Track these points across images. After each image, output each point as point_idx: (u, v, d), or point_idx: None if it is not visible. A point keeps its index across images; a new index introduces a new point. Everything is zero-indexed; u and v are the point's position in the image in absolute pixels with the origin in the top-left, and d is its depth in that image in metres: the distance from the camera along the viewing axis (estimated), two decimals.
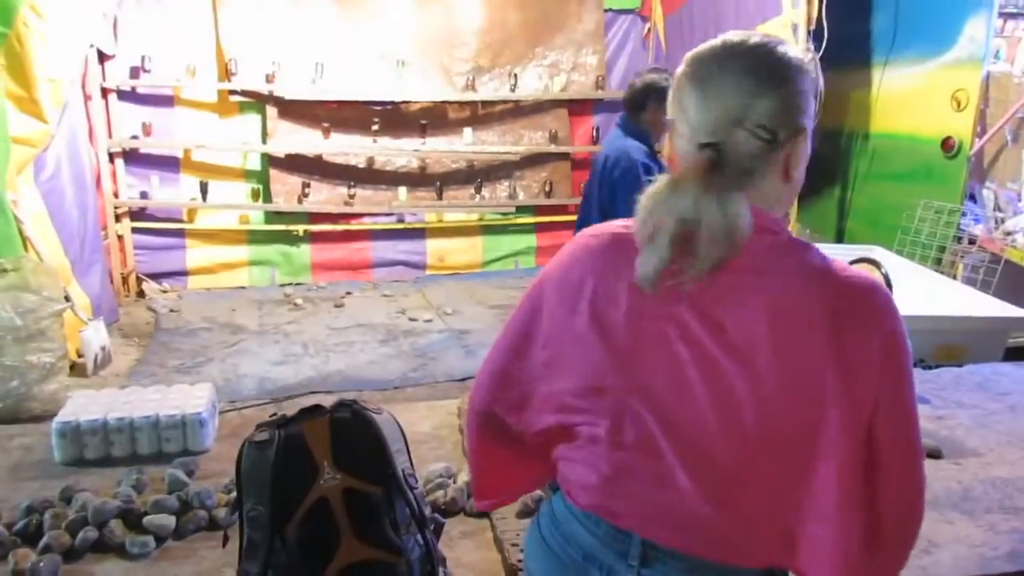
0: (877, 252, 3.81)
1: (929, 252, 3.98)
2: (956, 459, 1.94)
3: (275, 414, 1.36)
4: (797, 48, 0.91)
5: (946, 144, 4.03)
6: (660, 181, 0.89)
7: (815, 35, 4.02)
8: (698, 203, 0.84)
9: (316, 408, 1.35)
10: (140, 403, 2.11)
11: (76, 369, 4.06)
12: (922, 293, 3.38)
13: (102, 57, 5.33)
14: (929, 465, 1.89)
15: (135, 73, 5.49)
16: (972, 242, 4.00)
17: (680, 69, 0.94)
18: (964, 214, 4.06)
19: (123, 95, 5.53)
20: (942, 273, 3.83)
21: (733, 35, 0.93)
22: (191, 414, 2.05)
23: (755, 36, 0.92)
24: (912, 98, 4.33)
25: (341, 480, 1.33)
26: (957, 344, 2.90)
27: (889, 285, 3.05)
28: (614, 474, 0.96)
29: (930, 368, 2.76)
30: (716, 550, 0.92)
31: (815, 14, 4.00)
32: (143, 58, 5.44)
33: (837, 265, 0.90)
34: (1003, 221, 3.96)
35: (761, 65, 0.88)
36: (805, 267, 0.89)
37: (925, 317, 2.98)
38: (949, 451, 1.98)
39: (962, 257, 3.99)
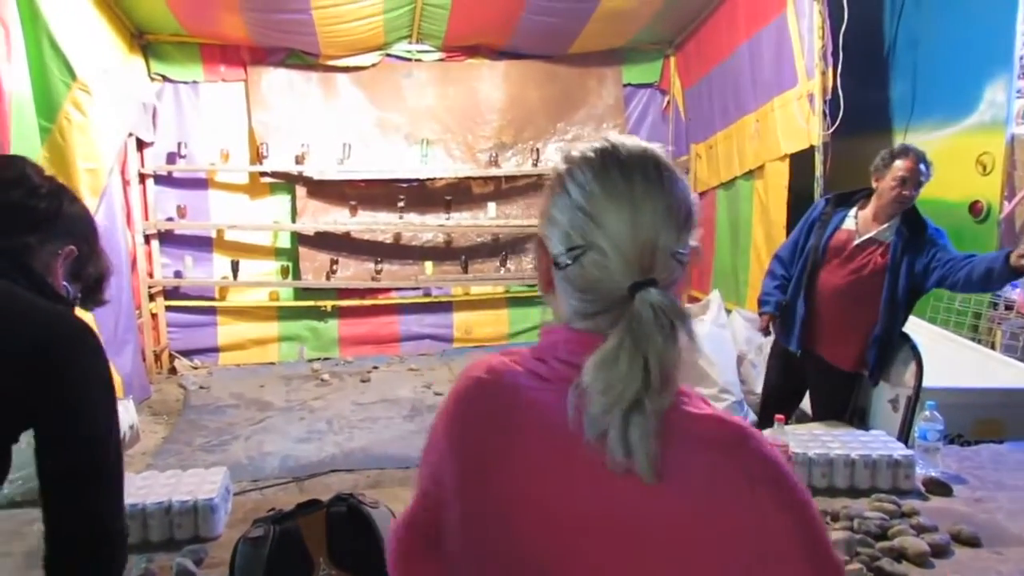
0: (909, 322, 3.71)
1: (964, 319, 3.86)
2: (997, 548, 1.82)
3: (273, 509, 1.35)
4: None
5: (974, 208, 3.97)
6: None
7: (831, 105, 4.05)
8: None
9: (313, 503, 1.33)
10: (155, 488, 2.10)
11: None
12: (957, 364, 3.27)
13: (141, 144, 5.59)
14: (967, 554, 1.79)
15: (172, 159, 5.73)
16: (1009, 307, 3.88)
17: (583, 183, 0.79)
18: None
19: (160, 179, 5.77)
20: (979, 341, 3.70)
21: (635, 150, 0.80)
22: (203, 500, 2.03)
23: (663, 162, 0.81)
24: (936, 163, 4.25)
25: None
26: (996, 418, 2.78)
27: (919, 359, 2.96)
28: None
29: (968, 444, 2.64)
30: None
31: (830, 84, 4.03)
32: (179, 144, 5.70)
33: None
34: None
35: (682, 198, 0.79)
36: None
37: (962, 390, 2.87)
38: (988, 538, 1.85)
39: (999, 324, 3.86)
